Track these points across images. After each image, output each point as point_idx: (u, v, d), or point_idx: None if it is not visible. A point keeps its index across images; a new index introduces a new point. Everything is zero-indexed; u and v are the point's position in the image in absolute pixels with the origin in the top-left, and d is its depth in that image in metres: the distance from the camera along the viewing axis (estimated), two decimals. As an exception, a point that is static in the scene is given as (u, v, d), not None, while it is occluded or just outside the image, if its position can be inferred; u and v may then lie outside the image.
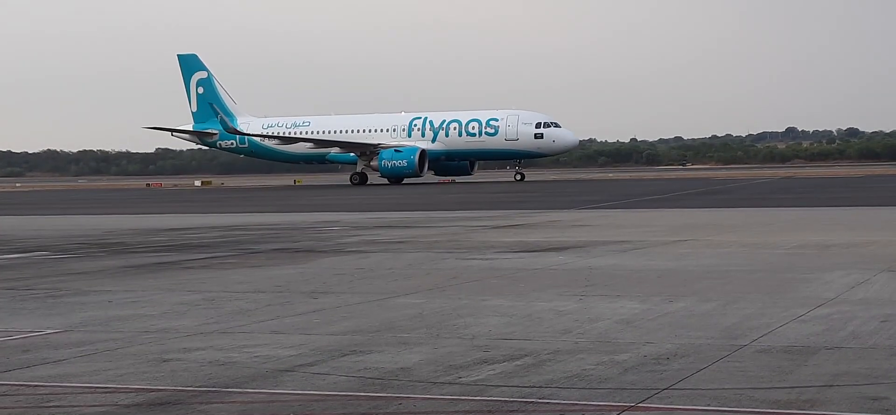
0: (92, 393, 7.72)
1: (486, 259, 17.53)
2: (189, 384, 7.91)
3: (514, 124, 73.97)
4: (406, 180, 74.12)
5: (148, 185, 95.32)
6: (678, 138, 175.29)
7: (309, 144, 77.31)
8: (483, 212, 34.22)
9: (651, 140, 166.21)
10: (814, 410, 6.78)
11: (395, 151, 73.51)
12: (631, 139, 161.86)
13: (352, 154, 77.34)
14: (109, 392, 7.72)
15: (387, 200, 48.61)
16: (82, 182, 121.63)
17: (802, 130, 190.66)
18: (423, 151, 73.00)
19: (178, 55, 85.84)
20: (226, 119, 78.31)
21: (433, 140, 75.76)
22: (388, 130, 77.67)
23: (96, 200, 59.41)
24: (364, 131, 78.10)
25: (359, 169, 76.17)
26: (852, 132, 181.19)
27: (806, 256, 16.80)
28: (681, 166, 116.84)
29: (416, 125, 77.16)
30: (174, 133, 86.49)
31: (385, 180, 75.06)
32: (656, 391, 7.34)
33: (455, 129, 75.90)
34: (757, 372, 7.90)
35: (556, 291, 13.01)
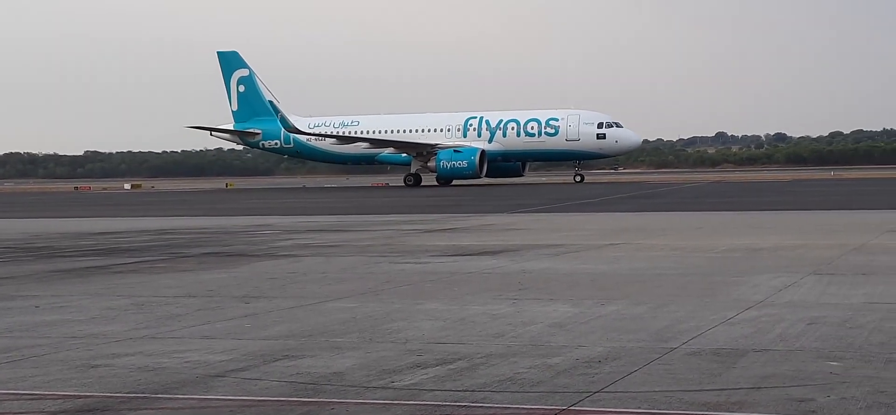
0: (17, 399, 7.59)
1: (420, 263, 17.52)
2: (117, 391, 7.80)
3: (576, 124, 72.26)
4: (456, 182, 71.80)
5: (76, 188, 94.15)
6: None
7: (364, 145, 74.80)
8: (417, 215, 34.22)
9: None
10: (742, 411, 6.86)
11: (455, 151, 71.40)
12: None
13: (404, 155, 75.00)
14: (36, 399, 7.59)
15: (322, 203, 48.41)
16: (8, 185, 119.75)
17: (732, 135, 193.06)
18: (483, 152, 71.02)
19: (217, 52, 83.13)
20: (287, 118, 75.35)
21: (490, 140, 73.80)
22: (442, 130, 75.53)
23: (23, 203, 58.50)
24: (418, 131, 75.87)
25: (413, 170, 74.16)
26: (780, 137, 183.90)
27: (735, 259, 17.01)
28: (613, 170, 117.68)
29: (471, 125, 75.11)
30: (213, 133, 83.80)
31: (434, 182, 73.11)
32: (588, 394, 7.39)
33: (513, 129, 73.99)
34: (687, 374, 7.98)
35: (489, 294, 13.04)
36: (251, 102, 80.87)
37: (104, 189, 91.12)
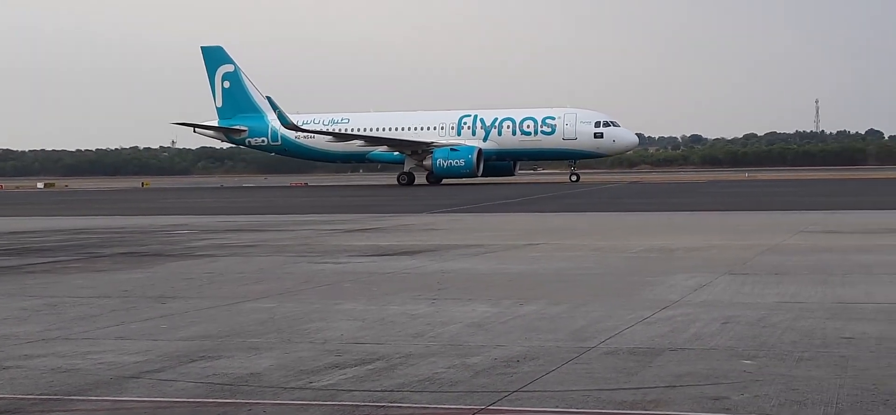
0: (-76, 403, 7.40)
1: (339, 263, 17.45)
2: (29, 392, 7.65)
3: (573, 123, 71.40)
4: (446, 180, 70.61)
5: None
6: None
7: (359, 143, 73.12)
8: (336, 216, 34.09)
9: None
10: (658, 410, 6.93)
11: (451, 149, 70.31)
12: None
13: (397, 153, 73.60)
14: (-57, 402, 7.41)
15: (241, 203, 48.01)
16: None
17: (649, 136, 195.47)
18: (480, 151, 70.09)
19: (202, 47, 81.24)
20: (285, 114, 73.24)
21: (485, 139, 72.81)
22: (436, 128, 74.38)
23: (-67, 202, 57.17)
24: (411, 129, 74.64)
25: (407, 169, 72.79)
26: (696, 139, 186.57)
27: (652, 259, 17.20)
28: (533, 171, 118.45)
29: (466, 123, 74.06)
30: (196, 129, 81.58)
31: (426, 181, 72.08)
32: (506, 394, 7.41)
33: (508, 127, 73.02)
34: (604, 374, 8.05)
35: (408, 294, 13.02)
36: (236, 99, 79.29)
37: (17, 188, 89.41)
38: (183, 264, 17.67)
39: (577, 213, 34.31)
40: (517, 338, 9.72)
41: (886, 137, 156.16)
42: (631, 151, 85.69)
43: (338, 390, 7.66)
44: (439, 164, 70.19)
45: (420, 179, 72.85)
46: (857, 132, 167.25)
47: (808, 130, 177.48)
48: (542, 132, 72.11)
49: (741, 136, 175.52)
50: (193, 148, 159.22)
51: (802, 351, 8.79)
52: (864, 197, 40.86)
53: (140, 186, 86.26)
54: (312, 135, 74.48)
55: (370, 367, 8.44)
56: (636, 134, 77.31)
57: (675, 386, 7.59)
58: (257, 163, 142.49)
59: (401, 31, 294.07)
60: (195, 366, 8.60)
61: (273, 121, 77.26)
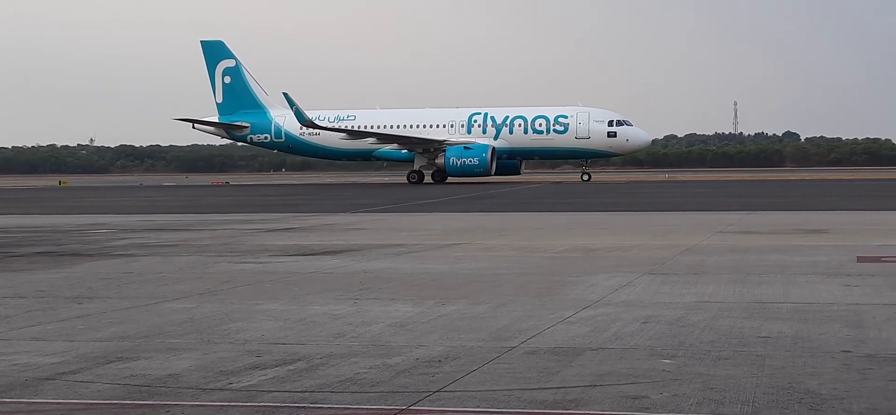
0: None
1: (260, 263, 17.33)
2: (-60, 395, 7.48)
3: (586, 122, 70.14)
4: (457, 179, 69.07)
5: None
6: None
7: (371, 140, 71.28)
8: (258, 215, 33.84)
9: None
10: (578, 409, 6.98)
11: (465, 148, 68.73)
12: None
13: (405, 151, 72.07)
14: None
15: (161, 202, 47.46)
16: None
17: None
18: (493, 149, 68.76)
19: (201, 42, 78.77)
20: (302, 110, 70.72)
21: (495, 137, 71.42)
22: (445, 126, 72.72)
23: None
24: (419, 127, 72.98)
25: (417, 167, 71.33)
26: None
27: (573, 259, 17.32)
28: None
29: (476, 121, 72.49)
30: (196, 125, 79.06)
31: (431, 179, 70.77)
32: (428, 394, 7.41)
33: (520, 126, 71.59)
34: (525, 373, 8.08)
35: (330, 294, 12.97)
36: (238, 94, 77.20)
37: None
38: (101, 264, 17.42)
39: (499, 213, 34.44)
40: (439, 338, 9.72)
41: (802, 140, 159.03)
42: (643, 151, 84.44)
43: (258, 390, 7.60)
44: (452, 162, 68.89)
45: (428, 176, 71.92)
46: (774, 134, 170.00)
47: (727, 132, 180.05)
48: (555, 131, 71.02)
49: (661, 137, 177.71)
50: (112, 146, 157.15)
51: (720, 350, 8.91)
52: (781, 198, 41.57)
53: (57, 184, 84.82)
54: (318, 132, 72.73)
55: (291, 367, 8.39)
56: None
57: (595, 385, 7.65)
58: (179, 161, 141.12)
59: (404, 28, 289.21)
60: (113, 367, 8.48)
61: (277, 117, 75.85)
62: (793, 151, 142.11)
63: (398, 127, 73.32)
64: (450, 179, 70.29)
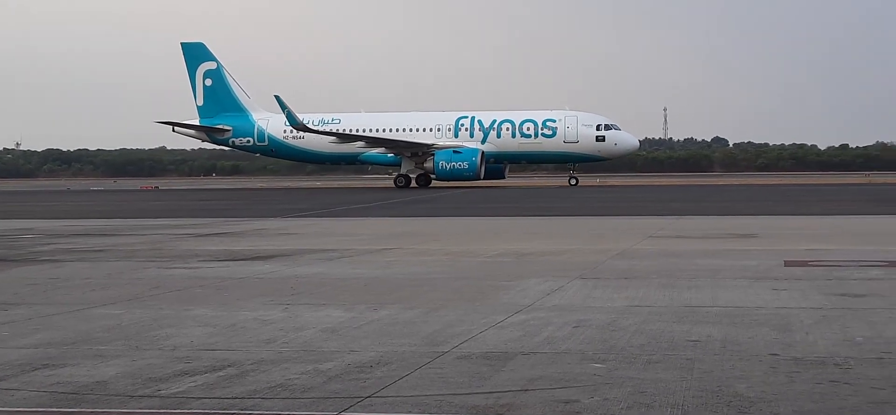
0: None
1: (190, 268, 17.15)
2: None
3: (574, 126, 69.93)
4: (441, 183, 68.35)
5: None
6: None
7: (361, 144, 70.61)
8: (188, 220, 33.51)
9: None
10: (510, 413, 6.99)
11: (454, 151, 68.34)
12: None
13: (391, 155, 71.44)
14: None
15: (89, 206, 46.82)
16: None
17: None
18: (483, 153, 68.43)
19: (181, 43, 77.28)
20: (294, 114, 69.75)
21: (483, 141, 71.05)
22: (431, 130, 72.27)
23: None
24: (405, 131, 72.39)
25: (404, 171, 70.70)
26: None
27: (505, 264, 17.36)
28: (387, 176, 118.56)
29: (463, 125, 72.04)
30: (176, 128, 77.45)
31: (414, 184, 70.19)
32: (359, 399, 7.38)
33: (507, 129, 71.31)
34: (457, 378, 8.08)
35: (261, 300, 12.87)
36: (219, 97, 76.13)
37: None
38: (27, 270, 17.13)
39: (432, 218, 34.46)
40: (371, 343, 9.69)
41: (731, 145, 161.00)
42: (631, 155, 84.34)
43: (187, 397, 7.51)
44: (441, 166, 68.64)
45: (413, 180, 71.40)
46: (703, 139, 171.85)
47: (657, 137, 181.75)
48: (543, 135, 70.94)
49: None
50: (39, 150, 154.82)
51: (650, 354, 8.98)
52: (710, 203, 42.05)
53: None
54: (302, 135, 72.22)
55: (221, 374, 8.31)
56: None
57: (527, 390, 7.66)
58: (107, 165, 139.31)
59: (390, 29, 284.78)
60: (39, 374, 8.33)
61: (259, 120, 75.14)
62: (721, 156, 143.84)
63: (384, 131, 72.89)
64: (434, 183, 70.08)
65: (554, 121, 71.30)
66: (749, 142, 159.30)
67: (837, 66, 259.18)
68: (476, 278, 15.30)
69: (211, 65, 77.37)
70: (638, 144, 76.27)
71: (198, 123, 77.19)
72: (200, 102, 77.52)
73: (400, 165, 72.31)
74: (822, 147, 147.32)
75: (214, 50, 78.27)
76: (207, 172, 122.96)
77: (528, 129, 71.60)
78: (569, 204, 43.78)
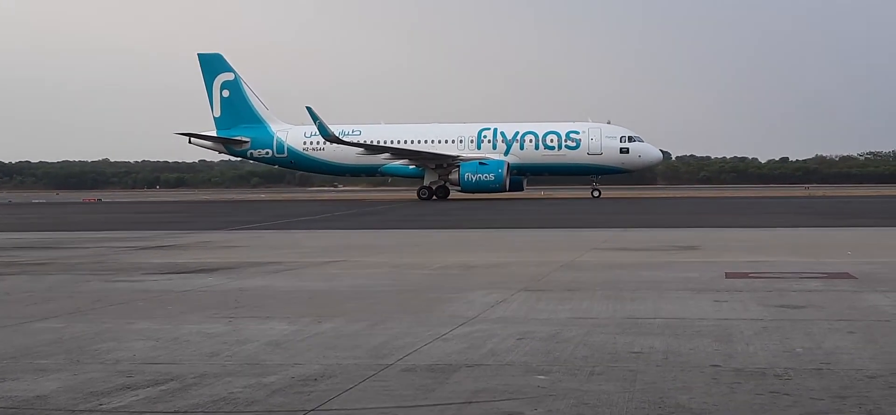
0: None
1: (133, 281, 16.99)
2: None
3: (598, 137, 69.81)
4: (454, 195, 67.91)
5: None
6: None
7: (385, 156, 70.09)
8: (132, 232, 33.21)
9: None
10: (454, 426, 7.01)
11: (480, 163, 67.91)
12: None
13: (413, 167, 70.99)
14: None
15: (30, 219, 46.23)
16: None
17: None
18: (508, 165, 68.07)
19: (198, 55, 76.55)
20: (326, 125, 69.04)
21: (506, 153, 70.74)
22: (453, 142, 71.92)
23: None
24: (427, 142, 71.93)
25: (427, 182, 70.33)
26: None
27: (451, 276, 17.39)
28: (333, 188, 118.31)
29: (486, 136, 71.76)
30: (192, 140, 76.44)
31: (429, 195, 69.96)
32: (303, 412, 7.36)
33: (531, 141, 71.15)
34: (401, 391, 8.08)
35: (204, 313, 12.79)
36: (237, 109, 75.59)
37: None
38: (-34, 283, 16.88)
39: (377, 230, 34.43)
40: (315, 356, 9.67)
41: (673, 158, 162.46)
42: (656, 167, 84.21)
43: (129, 411, 7.46)
44: (468, 178, 68.15)
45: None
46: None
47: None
48: (567, 147, 70.94)
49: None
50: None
51: (594, 366, 9.04)
52: (653, 215, 42.40)
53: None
54: (322, 147, 72.33)
55: (163, 387, 8.25)
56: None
57: (471, 402, 7.68)
58: (49, 178, 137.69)
59: (406, 41, 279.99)
60: (-23, 390, 8.22)
61: (278, 132, 74.83)
62: (664, 169, 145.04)
63: (405, 142, 72.58)
64: (457, 195, 69.96)
65: (578, 133, 71.40)
66: (691, 155, 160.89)
67: (778, 81, 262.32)
68: (421, 291, 15.30)
69: (228, 76, 77.01)
70: (661, 156, 76.52)
71: (215, 135, 76.81)
72: (217, 114, 77.11)
73: (421, 177, 72.30)
74: (763, 160, 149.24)
75: (232, 62, 78.18)
76: (151, 184, 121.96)
77: (552, 141, 71.67)
78: (515, 217, 43.94)
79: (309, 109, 69.73)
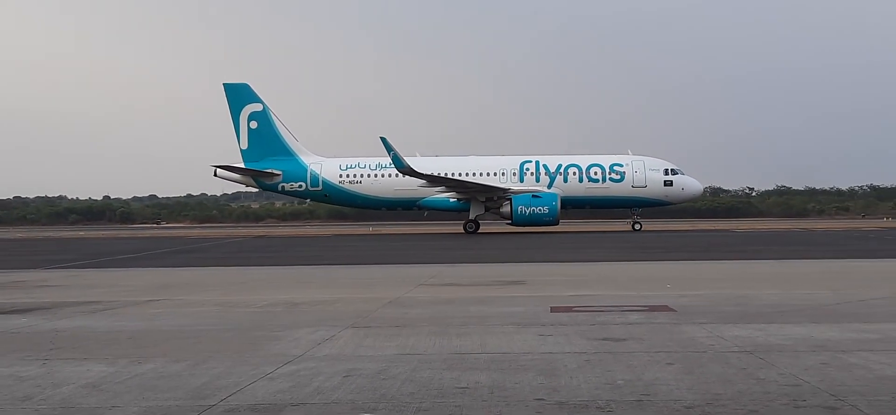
0: None
1: (-60, 323, 16.18)
2: None
3: (642, 170, 68.18)
4: (487, 227, 64.83)
5: None
6: (152, 196, 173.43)
7: (419, 182, 66.61)
8: (-61, 272, 31.70)
9: (125, 198, 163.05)
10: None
11: (534, 196, 65.32)
12: (104, 197, 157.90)
13: (455, 200, 68.12)
14: None
15: None
16: None
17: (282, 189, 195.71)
18: (561, 198, 65.67)
19: (224, 84, 71.61)
20: (401, 157, 64.77)
21: (549, 186, 68.34)
22: (495, 174, 69.13)
23: None
24: (470, 174, 68.95)
25: (473, 216, 67.39)
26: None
27: (276, 314, 17.15)
28: (156, 225, 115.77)
29: (528, 169, 69.14)
30: (218, 172, 71.59)
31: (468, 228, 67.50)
32: (121, 458, 7.09)
33: (574, 174, 68.75)
34: (224, 432, 7.88)
35: (17, 355, 12.27)
36: (265, 140, 71.54)
37: None
38: None
39: (201, 268, 33.79)
40: (134, 398, 9.36)
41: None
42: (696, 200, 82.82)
43: (-68, 462, 7.05)
44: (520, 211, 65.99)
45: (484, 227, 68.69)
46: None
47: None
48: (611, 179, 69.44)
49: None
50: None
51: (420, 401, 9.01)
52: (480, 250, 42.85)
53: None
54: (360, 179, 70.13)
55: (-30, 435, 7.84)
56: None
57: (295, 442, 7.54)
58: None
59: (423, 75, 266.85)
60: None
61: (312, 165, 71.56)
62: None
63: (447, 174, 70.16)
64: (481, 229, 68.65)
65: (621, 165, 70.45)
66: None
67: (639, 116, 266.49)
68: (246, 329, 15.04)
69: (256, 107, 73.67)
70: (702, 189, 76.11)
71: (243, 167, 73.45)
72: (245, 146, 73.60)
73: (461, 211, 70.46)
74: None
75: (259, 92, 74.65)
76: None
77: (596, 173, 70.36)
78: (337, 253, 43.76)
79: (383, 139, 66.92)
